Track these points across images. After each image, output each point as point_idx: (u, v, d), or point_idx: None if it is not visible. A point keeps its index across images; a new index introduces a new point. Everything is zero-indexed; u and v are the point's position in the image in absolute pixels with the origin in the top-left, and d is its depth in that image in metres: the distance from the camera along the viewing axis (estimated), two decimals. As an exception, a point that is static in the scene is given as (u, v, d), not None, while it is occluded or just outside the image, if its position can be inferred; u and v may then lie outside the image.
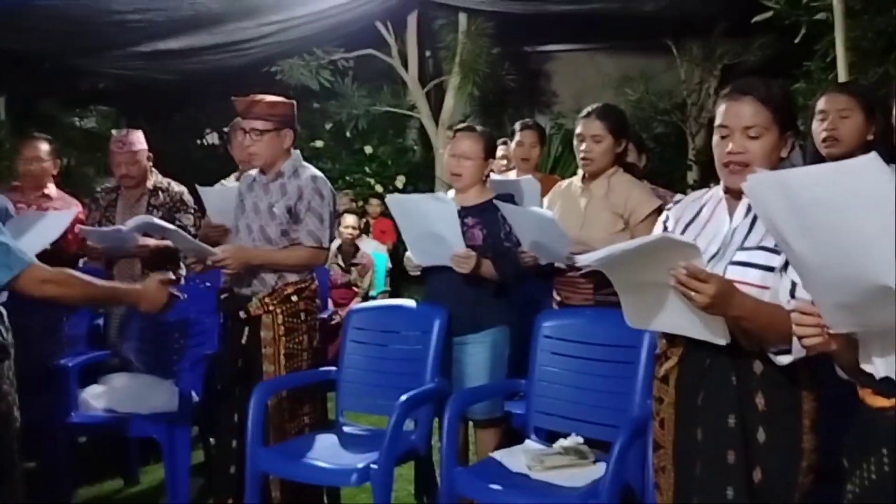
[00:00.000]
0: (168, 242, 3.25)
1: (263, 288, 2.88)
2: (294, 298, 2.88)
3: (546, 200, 3.01)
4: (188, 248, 3.01)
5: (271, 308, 2.86)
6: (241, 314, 2.87)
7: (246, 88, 3.33)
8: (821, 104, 2.49)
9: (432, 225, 2.75)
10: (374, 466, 2.43)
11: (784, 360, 1.66)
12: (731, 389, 1.72)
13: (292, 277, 2.89)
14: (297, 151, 2.98)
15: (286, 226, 2.87)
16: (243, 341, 2.89)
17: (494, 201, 2.84)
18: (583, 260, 1.81)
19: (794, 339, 1.58)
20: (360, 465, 2.45)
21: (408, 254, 3.00)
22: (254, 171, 3.02)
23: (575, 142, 2.83)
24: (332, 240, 2.95)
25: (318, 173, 2.94)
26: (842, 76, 4.18)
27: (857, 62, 4.69)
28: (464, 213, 2.74)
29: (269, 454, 2.64)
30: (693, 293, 1.56)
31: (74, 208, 3.59)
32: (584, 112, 2.83)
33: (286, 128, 2.89)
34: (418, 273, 2.98)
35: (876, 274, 1.22)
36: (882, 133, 2.39)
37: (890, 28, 4.55)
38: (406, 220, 2.87)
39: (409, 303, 3.11)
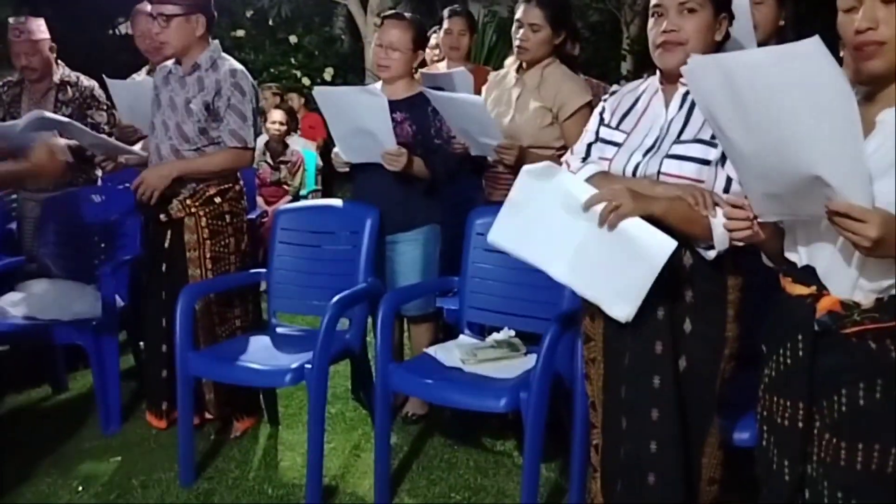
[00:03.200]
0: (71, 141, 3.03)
1: (184, 190, 2.75)
2: (217, 200, 2.77)
3: (483, 90, 2.92)
4: (93, 145, 2.83)
5: (193, 210, 2.74)
6: (162, 217, 2.75)
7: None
8: None
9: (362, 120, 2.63)
10: (309, 366, 2.42)
11: (711, 254, 1.69)
12: (660, 283, 1.73)
13: (214, 178, 2.76)
14: (216, 42, 2.79)
15: (204, 123, 2.72)
16: (166, 245, 2.79)
17: (423, 90, 2.73)
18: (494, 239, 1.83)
19: (717, 233, 1.62)
20: (294, 366, 2.44)
21: (335, 150, 2.89)
22: (169, 63, 2.81)
23: (513, 28, 2.73)
24: (257, 137, 2.82)
25: (238, 66, 2.76)
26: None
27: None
28: (392, 107, 2.63)
29: (200, 358, 2.60)
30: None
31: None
32: None
33: (198, 12, 2.68)
34: (346, 170, 2.88)
35: (809, 163, 1.21)
36: (791, 19, 2.43)
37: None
38: (334, 114, 2.74)
39: (339, 202, 3.02)
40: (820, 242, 1.38)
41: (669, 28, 1.69)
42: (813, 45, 1.15)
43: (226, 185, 2.79)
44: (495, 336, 2.56)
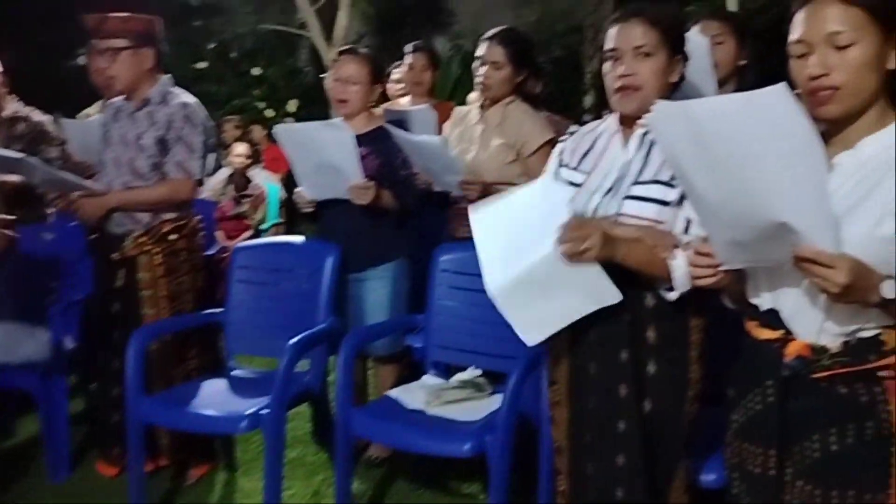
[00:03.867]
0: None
1: (137, 226, 2.66)
2: (173, 237, 2.69)
3: (447, 126, 2.90)
4: (47, 181, 2.73)
5: (148, 248, 2.65)
6: (115, 256, 2.66)
7: (118, 4, 2.99)
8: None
9: (326, 155, 2.58)
10: (265, 411, 2.33)
11: (672, 295, 1.68)
12: (623, 325, 1.73)
13: (169, 214, 2.68)
14: (167, 76, 2.72)
15: (157, 158, 2.64)
16: (119, 284, 2.69)
17: (386, 126, 2.69)
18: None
19: (676, 275, 1.62)
20: (250, 411, 2.35)
21: (298, 189, 2.82)
22: (118, 99, 2.74)
23: (474, 64, 2.71)
24: (208, 171, 2.75)
25: (191, 99, 2.70)
26: (731, 3, 4.21)
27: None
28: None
29: (152, 403, 2.49)
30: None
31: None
32: (488, 35, 2.69)
33: (145, 46, 2.62)
34: (311, 209, 2.81)
35: (775, 210, 1.20)
36: (752, 58, 2.45)
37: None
38: (297, 151, 2.68)
39: (298, 239, 2.95)
40: (784, 286, 1.37)
41: (625, 73, 1.69)
42: (780, 92, 1.14)
43: (181, 221, 2.70)
44: (460, 376, 2.50)
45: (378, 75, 2.76)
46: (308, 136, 2.62)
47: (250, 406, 2.37)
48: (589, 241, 1.58)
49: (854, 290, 1.19)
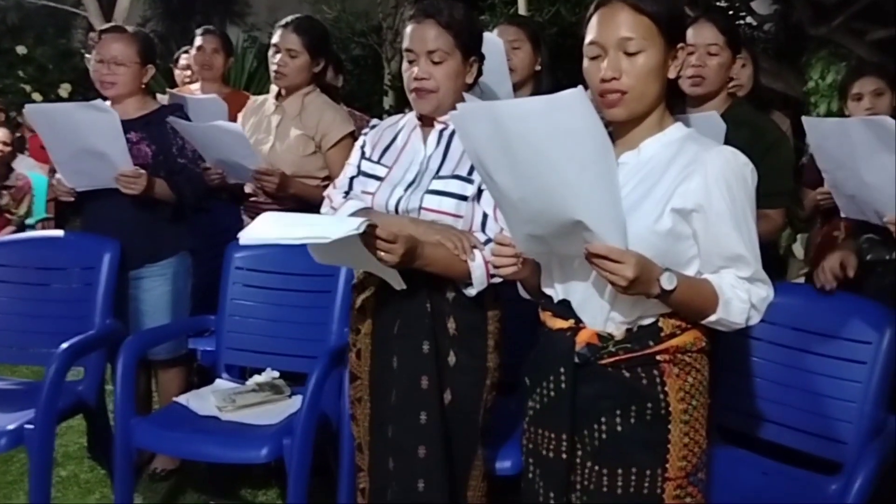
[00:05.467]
0: None
1: None
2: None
3: (240, 117, 2.75)
4: None
5: None
6: None
7: None
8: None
9: (89, 140, 2.34)
10: (29, 426, 2.07)
11: (471, 291, 1.72)
12: (425, 316, 1.74)
13: None
14: None
15: None
16: None
17: (171, 119, 2.50)
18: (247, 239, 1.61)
19: (476, 275, 1.68)
20: (11, 427, 2.10)
21: (57, 176, 2.52)
22: None
23: (269, 52, 2.60)
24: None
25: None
26: (521, 11, 4.47)
27: (534, 1, 5.06)
28: (125, 127, 2.37)
29: None
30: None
31: None
32: (283, 22, 2.59)
33: None
34: (72, 199, 2.52)
35: (571, 209, 1.26)
36: (547, 64, 2.60)
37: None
38: (53, 135, 2.40)
39: (70, 234, 2.67)
40: (575, 279, 1.44)
41: (420, 76, 1.72)
42: (575, 96, 1.19)
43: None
44: (257, 378, 2.39)
45: (149, 56, 2.56)
46: (65, 118, 2.36)
47: (11, 421, 2.12)
48: (391, 254, 1.58)
49: (639, 282, 1.27)
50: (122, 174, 2.37)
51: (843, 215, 2.10)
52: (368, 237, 1.56)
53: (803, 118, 2.00)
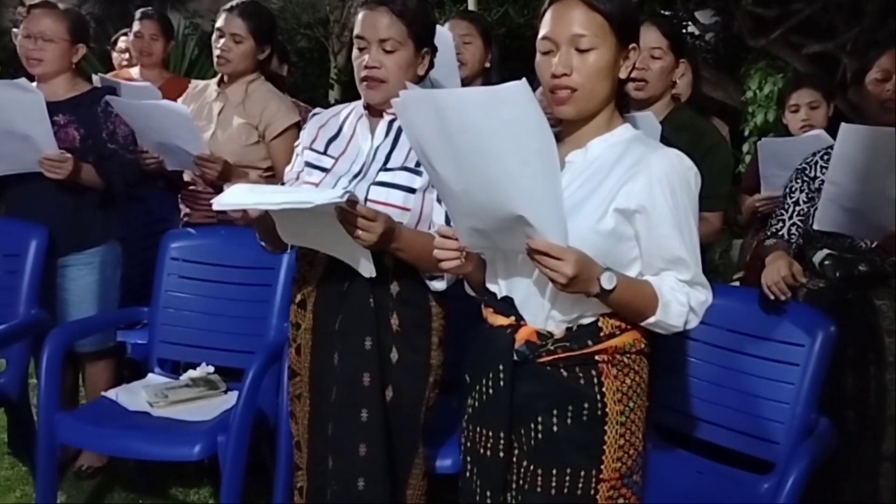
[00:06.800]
0: None
1: None
2: None
3: (180, 102, 2.66)
4: None
5: None
6: None
7: None
8: None
9: (12, 121, 2.25)
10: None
11: (439, 285, 1.70)
12: (368, 312, 1.71)
13: None
14: None
15: None
16: None
17: (110, 98, 2.41)
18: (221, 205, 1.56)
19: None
20: (-79, 423, 1.97)
21: None
22: None
23: (213, 37, 2.52)
24: None
25: None
26: (471, 8, 4.49)
27: (483, 1, 5.08)
28: (52, 108, 2.29)
29: None
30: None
31: None
32: (228, 6, 2.52)
33: None
34: None
35: (512, 203, 1.25)
36: (497, 61, 2.62)
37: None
38: None
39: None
40: (517, 275, 1.43)
41: (371, 64, 1.69)
42: (519, 89, 1.18)
43: None
44: (191, 373, 2.34)
45: (80, 35, 2.47)
46: None
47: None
48: (369, 232, 1.53)
49: (578, 281, 1.27)
50: (47, 158, 2.28)
51: (816, 227, 2.00)
52: (347, 214, 1.51)
53: (842, 124, 1.88)
